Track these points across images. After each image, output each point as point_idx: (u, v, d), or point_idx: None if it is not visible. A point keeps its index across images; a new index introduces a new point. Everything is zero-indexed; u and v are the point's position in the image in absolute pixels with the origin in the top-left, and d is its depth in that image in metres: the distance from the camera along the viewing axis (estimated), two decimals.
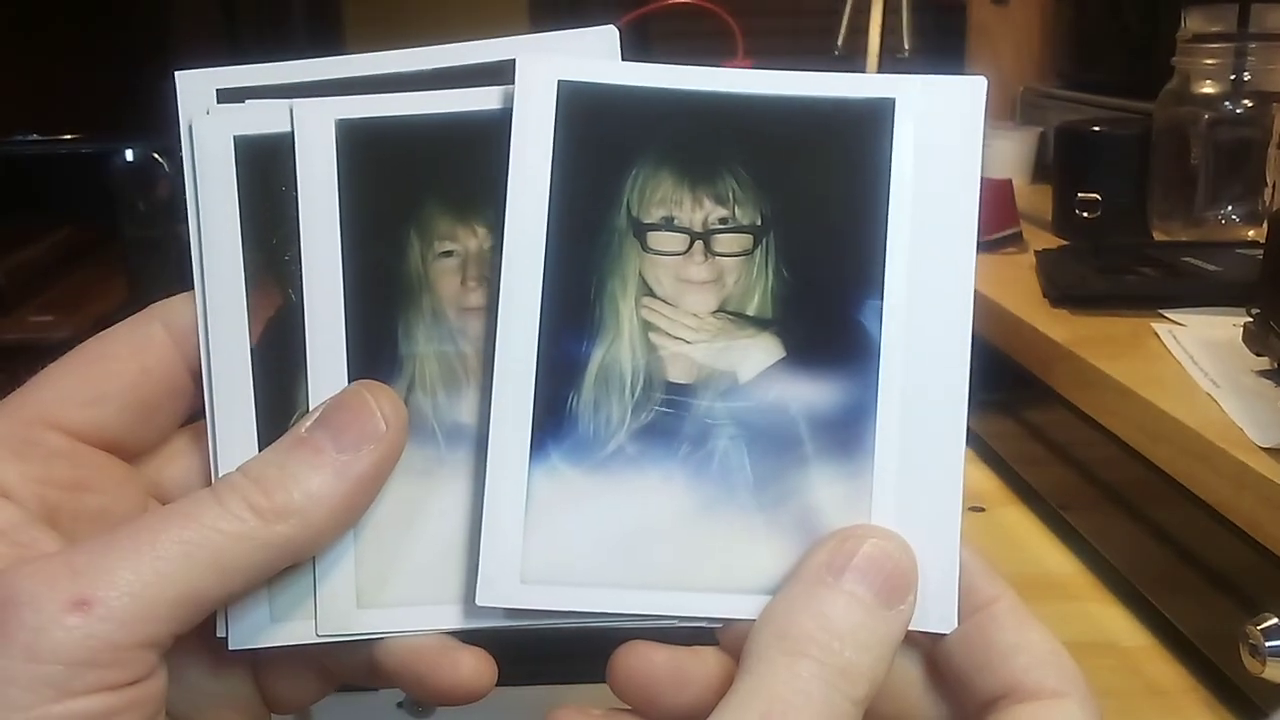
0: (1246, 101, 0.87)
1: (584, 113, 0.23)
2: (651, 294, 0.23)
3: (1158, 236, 0.91)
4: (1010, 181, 0.95)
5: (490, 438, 0.24)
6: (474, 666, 0.24)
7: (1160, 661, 0.55)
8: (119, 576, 0.21)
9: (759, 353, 0.23)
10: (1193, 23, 0.88)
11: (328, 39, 2.36)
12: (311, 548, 0.24)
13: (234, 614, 0.25)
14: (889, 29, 1.36)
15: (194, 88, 0.26)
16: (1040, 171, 1.21)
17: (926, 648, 0.25)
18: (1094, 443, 0.63)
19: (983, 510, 0.72)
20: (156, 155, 0.50)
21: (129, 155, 0.50)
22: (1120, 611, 0.59)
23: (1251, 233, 0.87)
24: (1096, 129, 0.96)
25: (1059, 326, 0.70)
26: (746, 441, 0.23)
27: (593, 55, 0.24)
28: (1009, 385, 0.75)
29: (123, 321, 0.26)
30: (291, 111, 0.24)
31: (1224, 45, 0.87)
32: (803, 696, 0.21)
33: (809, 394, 0.23)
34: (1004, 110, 1.40)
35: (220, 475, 0.25)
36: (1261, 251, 0.60)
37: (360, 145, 0.24)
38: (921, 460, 0.23)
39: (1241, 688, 0.50)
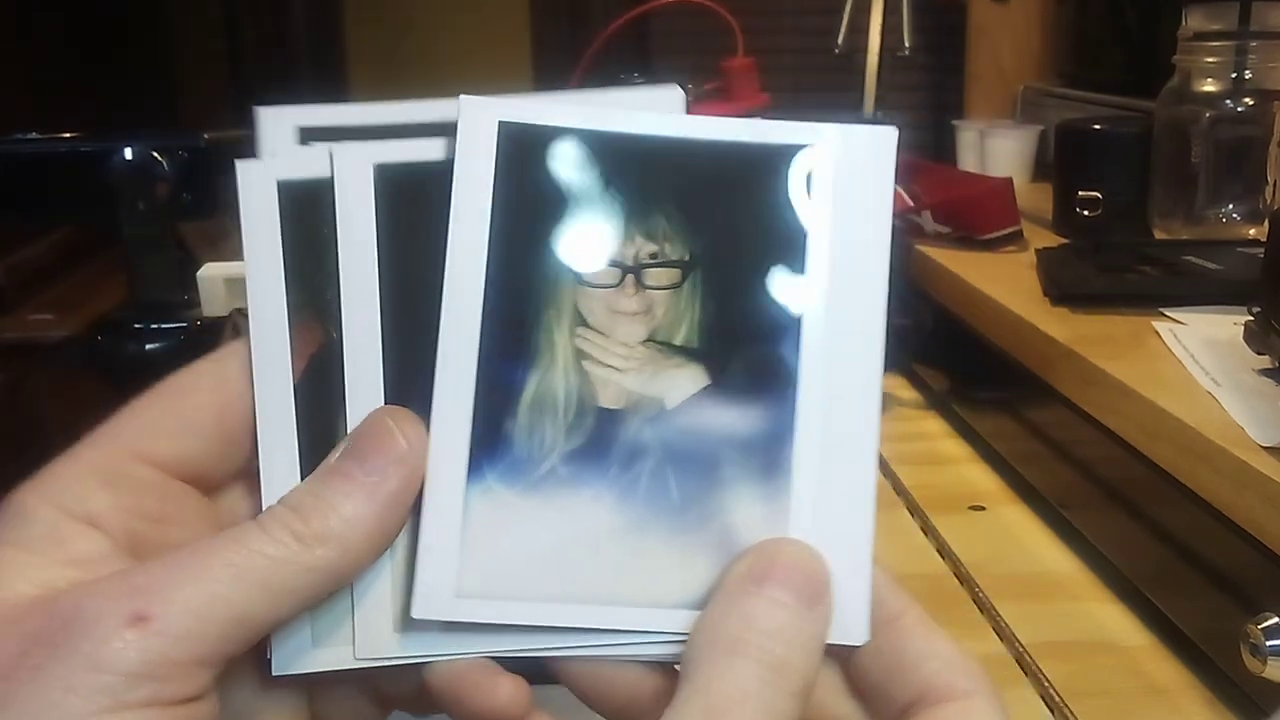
0: (1247, 100, 0.87)
1: (524, 151, 0.25)
2: (585, 324, 0.25)
3: (1158, 235, 0.91)
4: (1010, 180, 0.95)
5: (429, 460, 0.25)
6: (511, 692, 0.25)
7: (1161, 661, 0.55)
8: (175, 595, 0.22)
9: (685, 380, 0.24)
10: (1193, 21, 0.88)
11: (328, 37, 2.36)
12: (353, 570, 0.24)
13: (277, 639, 0.25)
14: (889, 28, 1.36)
15: (275, 123, 0.27)
16: (1041, 170, 1.21)
17: (844, 659, 0.27)
18: (1094, 442, 0.63)
19: (983, 509, 0.72)
20: (156, 154, 0.50)
21: (129, 154, 0.50)
22: (1120, 611, 0.59)
23: (1252, 231, 0.87)
24: (1097, 127, 0.96)
25: (1059, 325, 0.70)
26: (672, 464, 0.24)
27: (655, 109, 0.25)
28: (1009, 384, 0.75)
29: (203, 358, 0.27)
30: (331, 156, 0.25)
31: (1225, 43, 0.87)
32: (741, 692, 0.22)
33: (731, 420, 0.24)
34: (1004, 109, 1.40)
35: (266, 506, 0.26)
36: (1262, 250, 0.60)
37: (398, 189, 0.25)
38: (837, 483, 0.24)
39: (1242, 687, 0.50)
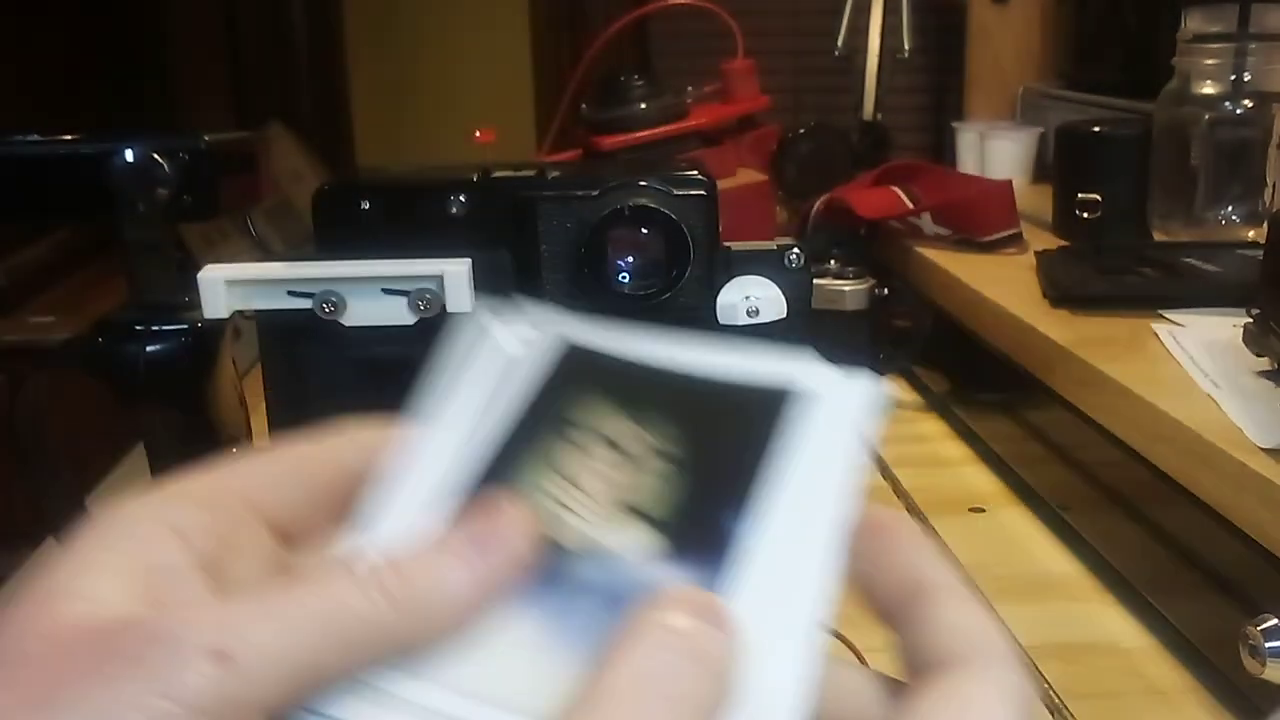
0: (1246, 102, 0.87)
1: (567, 358, 0.29)
2: (563, 474, 0.27)
3: (1158, 237, 0.91)
4: (1010, 182, 0.96)
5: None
6: None
7: (1160, 662, 0.55)
8: (259, 636, 0.22)
9: (637, 538, 0.26)
10: (1193, 23, 0.89)
11: (327, 39, 2.36)
12: (427, 642, 0.24)
13: None
14: (889, 29, 1.36)
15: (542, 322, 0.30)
16: (1040, 172, 1.21)
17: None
18: (1094, 443, 0.63)
19: (983, 511, 0.72)
20: (157, 156, 0.50)
21: (129, 156, 0.49)
22: (1120, 612, 0.59)
23: (1251, 233, 0.87)
24: (1097, 129, 0.96)
25: (1059, 327, 0.70)
26: (610, 609, 0.25)
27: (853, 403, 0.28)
28: (1009, 386, 0.75)
29: (329, 433, 0.28)
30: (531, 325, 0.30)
31: (1224, 45, 0.87)
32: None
33: (665, 576, 0.25)
34: (1004, 111, 1.40)
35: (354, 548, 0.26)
36: (1262, 252, 0.60)
37: (576, 363, 0.29)
38: (761, 672, 0.25)
39: (1241, 689, 0.50)
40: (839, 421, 0.28)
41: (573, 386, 0.29)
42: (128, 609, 0.23)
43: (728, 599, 0.25)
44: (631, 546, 0.26)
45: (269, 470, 0.27)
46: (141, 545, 0.24)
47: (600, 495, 0.27)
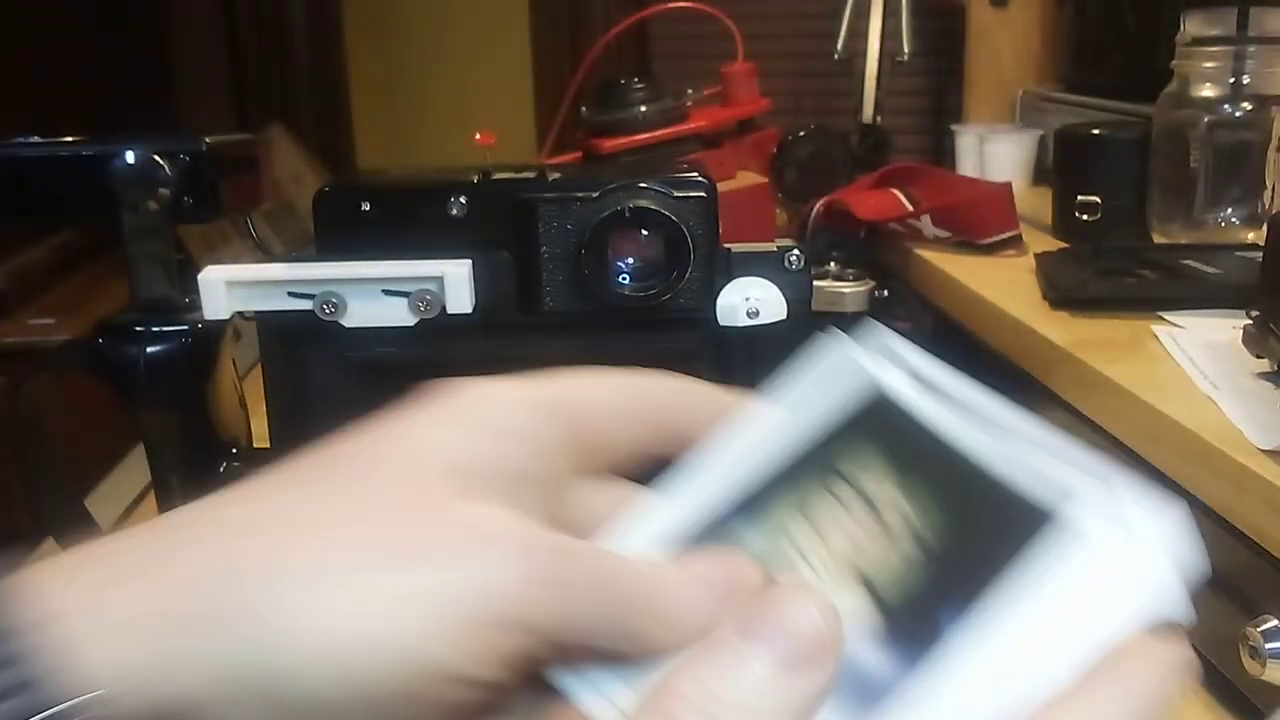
0: (1246, 104, 0.87)
1: (869, 401, 0.29)
2: (808, 519, 0.27)
3: (1157, 239, 0.91)
4: (1009, 185, 0.96)
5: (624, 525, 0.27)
6: None
7: None
8: (561, 566, 0.22)
9: (850, 604, 0.25)
10: (1192, 25, 0.89)
11: (327, 41, 2.36)
12: (648, 653, 0.24)
13: None
14: (888, 33, 1.36)
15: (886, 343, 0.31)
16: (1040, 174, 1.21)
17: None
18: (1094, 445, 0.63)
19: None
20: (157, 157, 0.50)
21: (129, 157, 0.50)
22: None
23: (1251, 235, 0.87)
24: (1096, 132, 0.96)
25: (1059, 329, 0.70)
26: None
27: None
28: (1008, 388, 0.75)
29: (681, 381, 0.28)
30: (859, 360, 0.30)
31: (1223, 48, 0.87)
32: None
33: (868, 657, 0.24)
34: (1004, 113, 1.40)
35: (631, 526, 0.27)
36: (1261, 254, 0.60)
37: (876, 419, 0.29)
38: None
39: (1241, 690, 0.50)
40: (1102, 573, 0.25)
41: (858, 434, 0.28)
42: (435, 495, 0.23)
43: (915, 694, 0.23)
44: (843, 611, 0.25)
45: (608, 399, 0.27)
46: (460, 439, 0.24)
47: (838, 554, 0.26)
